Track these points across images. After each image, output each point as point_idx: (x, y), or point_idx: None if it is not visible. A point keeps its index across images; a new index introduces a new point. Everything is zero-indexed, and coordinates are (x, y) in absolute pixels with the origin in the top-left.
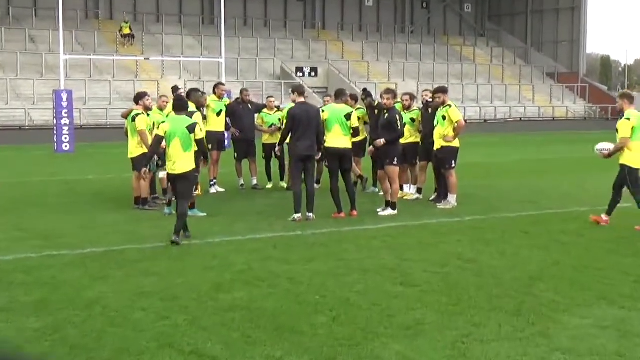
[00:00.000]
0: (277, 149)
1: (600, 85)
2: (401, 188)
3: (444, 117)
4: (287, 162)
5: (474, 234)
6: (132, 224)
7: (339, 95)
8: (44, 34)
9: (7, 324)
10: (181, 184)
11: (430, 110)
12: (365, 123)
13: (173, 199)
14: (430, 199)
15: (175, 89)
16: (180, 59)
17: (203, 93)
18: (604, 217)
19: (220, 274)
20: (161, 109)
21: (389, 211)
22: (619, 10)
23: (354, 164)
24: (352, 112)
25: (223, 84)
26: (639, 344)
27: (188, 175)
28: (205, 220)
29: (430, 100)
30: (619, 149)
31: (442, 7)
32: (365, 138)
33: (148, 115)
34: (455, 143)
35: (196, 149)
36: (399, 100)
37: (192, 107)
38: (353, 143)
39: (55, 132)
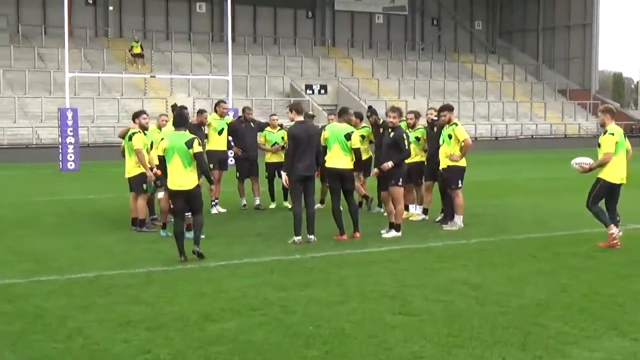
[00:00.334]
0: (283, 177)
1: (613, 102)
2: (406, 208)
3: (449, 136)
4: None
5: (480, 258)
6: (127, 246)
7: (342, 114)
8: (52, 52)
9: None
10: (191, 200)
11: (435, 128)
12: (370, 142)
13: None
14: (436, 220)
15: (174, 107)
16: (188, 76)
17: (203, 111)
18: (610, 231)
19: (211, 301)
20: (160, 127)
21: (393, 233)
22: (631, 28)
23: (358, 184)
24: (352, 132)
25: (225, 102)
26: None
27: (195, 191)
28: (203, 243)
29: (436, 118)
30: (603, 164)
31: (453, 24)
32: (370, 157)
33: (145, 134)
34: (462, 162)
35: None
36: (403, 118)
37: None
38: (362, 161)
39: (60, 151)
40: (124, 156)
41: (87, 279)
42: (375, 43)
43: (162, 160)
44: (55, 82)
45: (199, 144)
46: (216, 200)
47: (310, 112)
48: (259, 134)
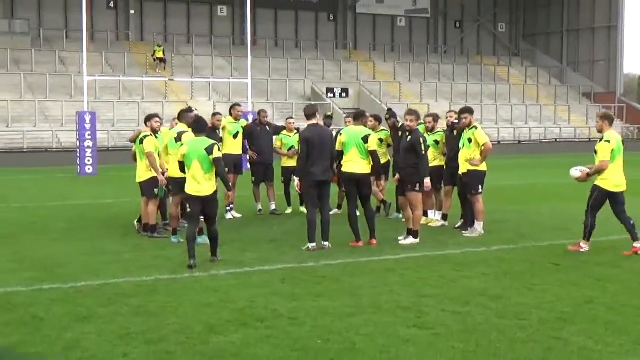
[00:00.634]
0: (296, 183)
1: (638, 106)
2: (425, 214)
3: (469, 140)
4: None
5: (500, 266)
6: (136, 253)
7: (358, 117)
8: (74, 55)
9: None
10: (208, 206)
11: (455, 132)
12: (388, 145)
13: (180, 227)
14: (456, 226)
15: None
16: (207, 79)
17: (216, 114)
18: (636, 244)
19: (217, 312)
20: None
21: (411, 240)
22: None
23: (376, 189)
24: (370, 135)
25: (240, 105)
26: None
27: (213, 197)
28: None
29: (456, 122)
30: (599, 172)
31: (476, 27)
32: (389, 161)
33: (157, 137)
34: (482, 167)
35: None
36: (422, 121)
37: (183, 127)
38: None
39: (78, 155)
40: (135, 160)
41: (92, 288)
42: (397, 46)
43: (182, 165)
44: (76, 85)
45: (219, 150)
46: (231, 206)
47: (329, 113)
48: (275, 137)
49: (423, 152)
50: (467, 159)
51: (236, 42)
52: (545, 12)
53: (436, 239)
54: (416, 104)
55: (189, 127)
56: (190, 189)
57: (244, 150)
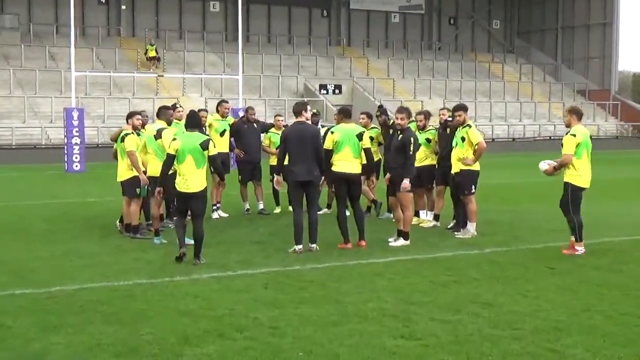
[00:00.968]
0: (275, 179)
1: (633, 103)
2: (417, 214)
3: (463, 139)
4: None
5: (493, 270)
6: (115, 255)
7: (347, 114)
8: (64, 51)
9: None
10: (195, 203)
11: (448, 130)
12: (379, 144)
13: (161, 228)
14: (448, 227)
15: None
16: (198, 75)
17: (200, 110)
18: (577, 247)
19: (194, 321)
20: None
21: (401, 241)
22: None
23: (366, 188)
24: (364, 132)
25: (227, 102)
26: None
27: (202, 194)
28: None
29: (450, 119)
30: (562, 165)
31: (470, 24)
32: (380, 160)
33: (138, 135)
34: (475, 166)
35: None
36: (413, 119)
37: (163, 124)
38: (370, 166)
39: (65, 152)
40: (116, 159)
41: (65, 293)
42: (391, 42)
43: (171, 159)
44: (66, 81)
45: (214, 146)
46: (218, 205)
47: (314, 110)
48: (263, 135)
49: (411, 152)
50: (460, 158)
51: (229, 38)
52: (540, 9)
53: (427, 241)
54: (410, 100)
55: (168, 124)
56: (181, 185)
57: (231, 148)
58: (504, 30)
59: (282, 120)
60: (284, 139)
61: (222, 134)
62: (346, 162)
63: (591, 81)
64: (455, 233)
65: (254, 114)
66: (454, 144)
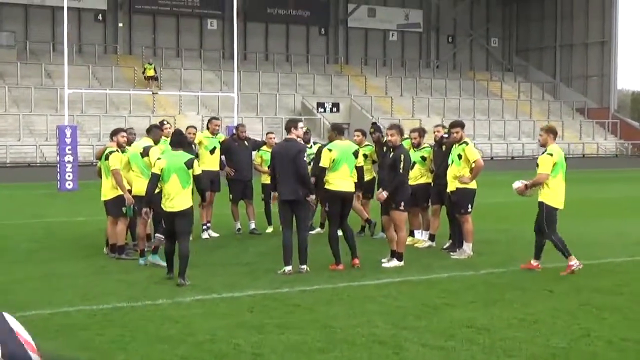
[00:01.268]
0: (272, 195)
1: (632, 122)
2: (412, 234)
3: (459, 156)
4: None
5: (489, 293)
6: (98, 276)
7: (341, 131)
8: (60, 69)
9: None
10: (180, 221)
11: (444, 147)
12: (373, 162)
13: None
14: (444, 247)
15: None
16: (195, 93)
17: (189, 127)
18: (533, 262)
19: (172, 347)
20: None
21: (394, 262)
22: None
23: (360, 207)
24: (358, 150)
25: (217, 119)
26: None
27: (188, 212)
28: None
29: (446, 136)
30: (537, 184)
31: (469, 42)
32: (374, 178)
33: (124, 152)
34: (472, 185)
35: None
36: (406, 136)
37: (149, 142)
38: (360, 184)
39: (58, 170)
40: (100, 177)
41: (41, 317)
42: (389, 60)
43: (156, 178)
44: (62, 99)
45: (199, 165)
46: (208, 224)
47: (305, 128)
48: (254, 153)
49: (401, 170)
50: (456, 176)
51: (226, 56)
52: (538, 27)
53: (421, 262)
54: (408, 119)
55: (155, 142)
56: (167, 205)
57: (222, 167)
58: (502, 48)
59: (274, 138)
60: (272, 156)
61: (212, 151)
62: (343, 180)
63: (590, 99)
64: (451, 253)
65: (245, 132)
66: (450, 161)
